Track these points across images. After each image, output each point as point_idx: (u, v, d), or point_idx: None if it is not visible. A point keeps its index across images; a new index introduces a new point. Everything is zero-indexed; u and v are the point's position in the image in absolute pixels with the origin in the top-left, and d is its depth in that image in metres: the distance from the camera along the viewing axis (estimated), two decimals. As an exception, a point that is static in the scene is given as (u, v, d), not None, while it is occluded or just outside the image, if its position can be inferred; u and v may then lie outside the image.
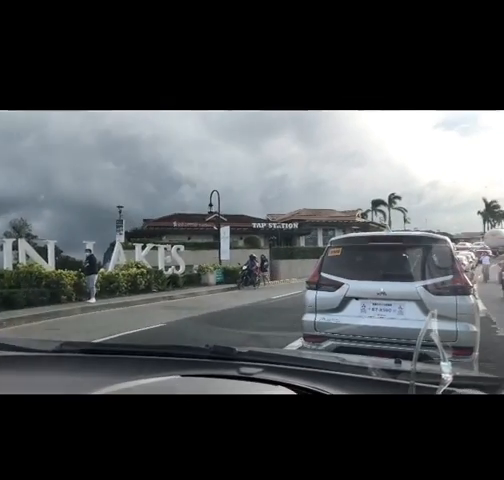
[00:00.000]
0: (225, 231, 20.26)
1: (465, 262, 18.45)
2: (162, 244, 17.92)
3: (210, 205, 20.45)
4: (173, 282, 16.13)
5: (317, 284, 4.28)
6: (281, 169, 78.20)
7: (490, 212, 52.46)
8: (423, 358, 1.05)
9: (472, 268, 21.82)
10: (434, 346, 0.90)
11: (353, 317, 4.04)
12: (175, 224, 29.63)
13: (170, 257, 16.79)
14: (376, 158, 79.84)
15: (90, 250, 12.57)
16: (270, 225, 32.19)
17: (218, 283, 17.92)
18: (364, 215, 42.05)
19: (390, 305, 3.97)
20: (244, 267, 17.35)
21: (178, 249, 17.33)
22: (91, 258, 12.21)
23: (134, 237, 24.58)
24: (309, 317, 4.26)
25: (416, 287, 3.85)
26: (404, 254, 4.20)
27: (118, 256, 15.02)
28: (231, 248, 22.48)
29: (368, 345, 3.87)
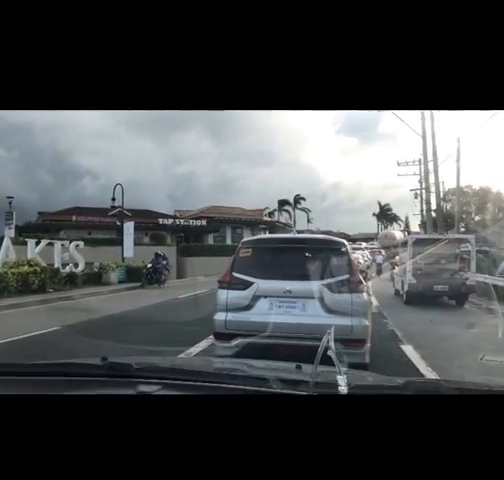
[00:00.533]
0: (129, 227, 19.47)
1: (361, 261, 19.83)
2: (59, 240, 16.67)
3: (113, 199, 19.54)
4: (71, 281, 15.09)
5: (229, 283, 4.44)
6: (190, 165, 77.33)
7: (383, 214, 57.16)
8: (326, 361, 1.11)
9: (367, 267, 23.56)
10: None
11: (262, 315, 4.25)
12: (74, 218, 27.81)
13: (68, 254, 15.69)
14: (284, 159, 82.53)
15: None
16: (177, 221, 31.70)
17: (121, 282, 17.14)
18: (271, 214, 43.31)
19: (295, 302, 4.27)
20: (149, 265, 16.79)
21: (77, 245, 16.26)
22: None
23: (27, 232, 22.63)
24: (220, 316, 4.40)
25: (317, 286, 4.22)
26: (308, 255, 4.54)
27: (7, 252, 13.69)
28: (136, 245, 21.67)
29: (275, 341, 4.03)
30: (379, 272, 21.10)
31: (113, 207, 19.47)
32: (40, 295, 12.45)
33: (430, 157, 21.22)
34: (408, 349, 6.17)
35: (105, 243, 21.31)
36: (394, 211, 57.06)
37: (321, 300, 4.21)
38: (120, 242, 19.70)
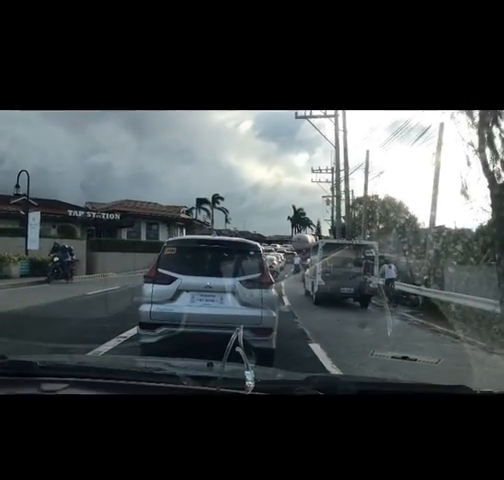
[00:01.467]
0: (34, 217, 18.13)
1: (275, 262, 20.47)
2: None
3: (17, 186, 18.04)
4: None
5: (154, 278, 4.85)
6: (106, 156, 73.65)
7: (298, 218, 59.39)
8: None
9: (281, 269, 24.41)
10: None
11: (184, 306, 4.72)
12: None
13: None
14: (206, 158, 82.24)
15: None
16: (89, 214, 30.10)
17: (24, 276, 15.91)
18: (189, 212, 42.89)
19: (214, 296, 4.83)
20: (55, 258, 15.76)
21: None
22: None
23: None
24: (145, 307, 4.80)
25: (233, 282, 4.82)
26: (226, 255, 5.17)
27: None
28: (42, 237, 20.27)
29: (196, 330, 4.57)
30: (296, 272, 22.19)
31: (17, 195, 17.98)
32: None
33: (342, 167, 22.54)
34: (316, 347, 6.51)
35: (7, 233, 19.57)
36: (308, 215, 59.65)
37: (236, 294, 4.81)
38: (24, 233, 18.24)
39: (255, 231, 55.50)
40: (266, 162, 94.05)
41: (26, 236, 17.72)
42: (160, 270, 4.88)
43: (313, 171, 36.43)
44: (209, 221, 44.56)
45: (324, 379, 1.26)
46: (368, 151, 22.91)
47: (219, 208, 47.57)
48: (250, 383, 0.94)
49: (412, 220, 25.65)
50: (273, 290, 5.20)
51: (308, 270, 14.82)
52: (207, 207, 46.67)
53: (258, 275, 4.98)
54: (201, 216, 45.16)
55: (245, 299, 4.85)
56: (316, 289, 12.19)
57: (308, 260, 16.76)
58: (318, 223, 58.72)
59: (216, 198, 46.72)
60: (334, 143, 22.62)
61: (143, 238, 32.64)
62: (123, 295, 12.36)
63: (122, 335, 6.48)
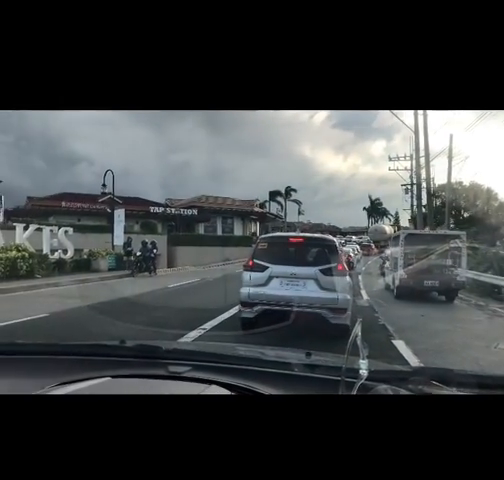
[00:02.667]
0: (119, 214, 19.19)
1: (351, 254, 19.85)
2: (48, 225, 16.37)
3: (103, 185, 19.21)
4: (60, 267, 14.87)
5: (251, 267, 6.17)
6: (185, 154, 76.03)
7: (374, 209, 57.23)
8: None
9: (357, 261, 23.68)
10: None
11: (274, 289, 5.97)
12: (63, 204, 27.33)
13: (57, 240, 15.44)
14: (279, 152, 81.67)
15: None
16: (168, 210, 31.33)
17: (111, 270, 16.93)
18: (262, 205, 43.08)
19: (298, 282, 5.97)
20: (138, 253, 16.58)
21: (66, 232, 15.99)
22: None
23: (16, 216, 22.18)
24: (245, 290, 6.10)
25: (314, 270, 5.95)
26: (307, 248, 6.43)
27: (-6, 237, 13.42)
28: (126, 233, 21.36)
29: (284, 308, 5.76)
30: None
31: (103, 193, 19.14)
32: (28, 281, 12.24)
33: (422, 153, 21.24)
34: (400, 345, 6.12)
35: (95, 230, 21.00)
36: (385, 206, 57.30)
37: (316, 280, 5.92)
38: (110, 229, 19.41)
39: (329, 223, 54.55)
40: (341, 152, 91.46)
41: (112, 232, 18.83)
42: (255, 261, 6.14)
43: (391, 159, 34.85)
44: (282, 214, 44.47)
45: (438, 371, 1.25)
46: (451, 135, 21.38)
47: (292, 200, 47.21)
48: (364, 372, 0.96)
49: (502, 207, 23.60)
50: (347, 277, 6.20)
51: (388, 263, 14.16)
52: (280, 200, 46.58)
53: (334, 264, 5.99)
54: (274, 209, 45.17)
55: (323, 284, 5.89)
56: (397, 282, 11.58)
57: (387, 252, 16.02)
58: (396, 213, 56.39)
59: (289, 190, 46.36)
60: (413, 128, 21.37)
61: (219, 232, 33.38)
62: (201, 288, 12.73)
63: (202, 326, 6.60)
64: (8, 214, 24.59)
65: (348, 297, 5.97)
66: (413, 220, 33.03)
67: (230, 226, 34.89)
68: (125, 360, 1.20)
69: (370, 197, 57.52)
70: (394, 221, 54.05)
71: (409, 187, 34.96)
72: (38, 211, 26.56)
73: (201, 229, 32.84)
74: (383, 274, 14.82)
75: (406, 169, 34.27)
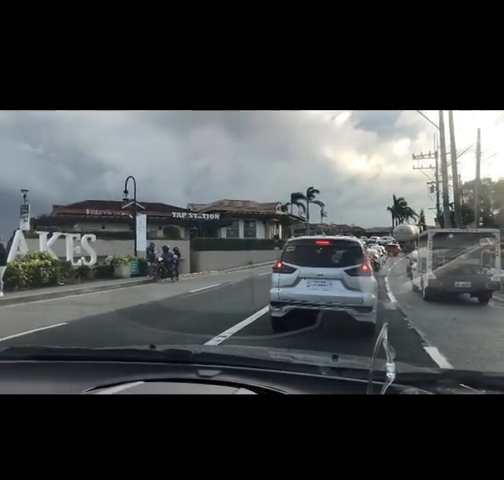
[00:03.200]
0: (141, 220, 19.15)
1: (377, 255, 19.27)
2: (72, 233, 16.44)
3: (125, 192, 19.15)
4: (83, 275, 14.87)
5: (280, 269, 6.51)
6: (207, 160, 76.42)
7: (398, 208, 55.99)
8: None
9: (383, 262, 23.05)
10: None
11: (302, 290, 6.30)
12: (87, 211, 27.64)
13: (80, 247, 15.46)
14: (300, 154, 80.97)
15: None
16: (191, 215, 31.33)
17: (133, 276, 16.86)
18: (284, 208, 42.66)
19: (325, 282, 6.26)
20: (160, 258, 16.44)
21: (89, 239, 16.01)
22: (-1, 248, 10.71)
23: (42, 224, 22.51)
24: (274, 291, 6.42)
25: (340, 271, 6.22)
26: (333, 250, 6.74)
27: (18, 245, 13.47)
28: (149, 238, 21.38)
29: (311, 307, 6.06)
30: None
31: (125, 200, 19.09)
32: (51, 288, 12.23)
33: (448, 150, 20.48)
34: (433, 352, 5.66)
35: (119, 236, 21.05)
36: (409, 205, 55.99)
37: (342, 281, 6.17)
38: (133, 236, 19.37)
39: (353, 224, 53.72)
40: (364, 152, 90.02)
41: (135, 238, 18.77)
42: (284, 263, 6.50)
43: (414, 157, 34.11)
44: (305, 216, 43.92)
45: (467, 374, 1.22)
46: (479, 130, 20.56)
47: (314, 202, 46.56)
48: (391, 375, 0.95)
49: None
50: (372, 277, 6.47)
51: (415, 263, 13.59)
52: (302, 202, 46.03)
53: (359, 265, 6.26)
54: (296, 211, 44.63)
55: (349, 284, 6.14)
56: (426, 284, 11.02)
57: (414, 252, 15.39)
58: (421, 213, 55.21)
59: (311, 192, 45.70)
60: (438, 125, 20.63)
61: (241, 236, 33.17)
62: (223, 292, 12.45)
63: (222, 334, 6.32)
64: (35, 223, 25.05)
65: (373, 296, 6.22)
66: (439, 219, 32.10)
67: (252, 230, 34.61)
68: (156, 364, 1.21)
69: (394, 197, 56.38)
70: (419, 221, 52.85)
71: (434, 185, 34.15)
72: (63, 219, 26.98)
73: (223, 233, 32.68)
74: (410, 276, 14.22)
75: (431, 167, 33.54)
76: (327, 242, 6.98)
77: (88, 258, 15.68)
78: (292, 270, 6.35)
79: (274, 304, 6.42)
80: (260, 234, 34.23)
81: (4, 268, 10.74)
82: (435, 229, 14.02)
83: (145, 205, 30.97)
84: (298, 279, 6.30)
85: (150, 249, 17.40)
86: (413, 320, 8.18)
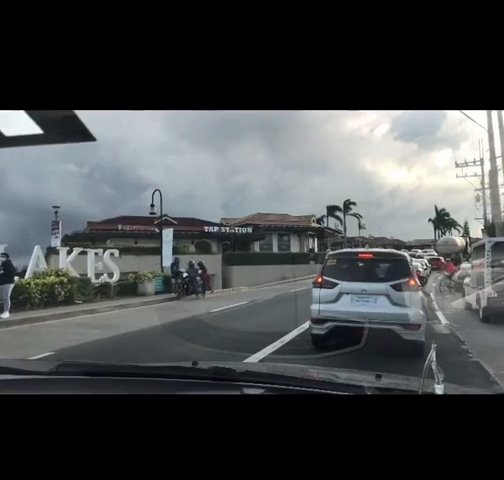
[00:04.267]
0: (168, 234, 18.11)
1: (420, 269, 17.37)
2: (106, 248, 15.60)
3: (152, 205, 18.18)
4: (103, 292, 13.91)
5: (321, 284, 6.05)
6: (244, 175, 75.81)
7: (440, 220, 52.92)
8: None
9: (427, 275, 21.04)
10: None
11: (345, 306, 5.82)
12: (120, 227, 27.15)
13: (102, 263, 14.58)
14: (339, 167, 78.62)
15: (6, 255, 10.19)
16: (223, 229, 30.30)
17: (159, 292, 15.78)
18: (320, 221, 40.94)
19: (369, 298, 5.81)
20: (184, 274, 15.23)
21: (112, 254, 15.12)
22: (6, 264, 9.85)
23: (74, 241, 22.04)
24: (315, 306, 5.99)
25: (385, 286, 5.76)
26: (377, 264, 6.27)
27: (36, 262, 12.70)
28: (181, 253, 20.53)
29: (355, 324, 5.47)
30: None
31: (152, 214, 18.11)
32: (65, 307, 11.27)
33: (499, 153, 18.37)
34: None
35: (151, 252, 20.12)
36: (452, 216, 52.86)
37: (388, 296, 5.70)
38: (160, 251, 18.37)
39: (392, 236, 51.04)
40: (405, 164, 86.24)
41: (161, 253, 17.74)
42: (325, 277, 6.05)
43: (458, 165, 31.88)
44: (341, 229, 41.94)
45: None
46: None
47: (352, 214, 44.41)
48: (441, 394, 0.95)
49: None
50: (420, 292, 6.06)
51: (468, 278, 11.67)
52: (339, 214, 44.07)
53: (406, 280, 5.78)
54: (332, 224, 42.70)
55: (395, 300, 5.66)
56: (484, 302, 9.17)
57: (465, 265, 13.39)
58: (465, 223, 52.07)
59: (348, 204, 43.61)
60: (486, 126, 18.64)
61: (275, 250, 31.75)
62: (248, 312, 10.99)
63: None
64: (68, 239, 24.77)
65: (421, 312, 5.80)
66: (487, 229, 29.62)
67: (286, 243, 33.11)
68: (201, 382, 1.21)
69: (436, 208, 53.24)
70: (463, 232, 49.80)
71: (481, 194, 31.70)
72: (96, 235, 26.58)
73: (257, 247, 31.36)
74: (462, 292, 12.28)
75: (476, 175, 31.24)
76: (371, 255, 6.47)
77: (111, 274, 14.76)
78: (334, 285, 5.94)
79: (315, 321, 6.01)
80: (294, 248, 32.65)
81: (11, 286, 9.84)
82: (495, 238, 11.92)
83: (177, 220, 30.30)
84: (340, 294, 5.89)
85: (174, 264, 16.10)
86: (474, 348, 6.46)
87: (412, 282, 5.83)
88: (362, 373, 1.45)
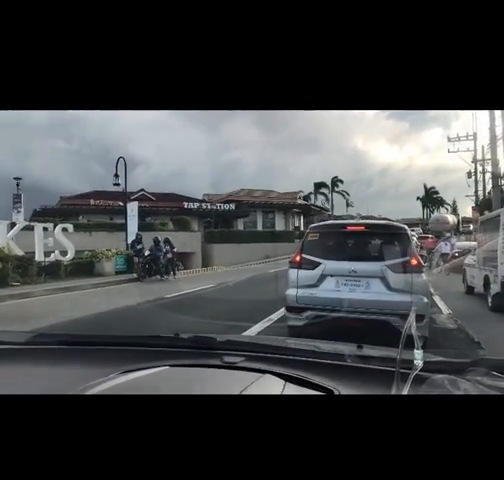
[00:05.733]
0: (133, 208, 15.88)
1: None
2: (57, 223, 13.36)
3: (116, 175, 15.70)
4: (52, 272, 11.82)
5: (299, 263, 4.75)
6: (236, 153, 73.19)
7: (429, 198, 51.06)
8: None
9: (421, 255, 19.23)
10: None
11: (329, 291, 4.54)
12: (92, 202, 24.84)
13: (52, 240, 12.41)
14: (331, 146, 76.12)
15: None
16: (204, 205, 28.14)
17: (120, 272, 13.70)
18: (307, 198, 38.82)
19: (359, 281, 4.53)
20: (146, 252, 13.08)
21: (65, 229, 12.93)
22: None
23: (43, 216, 19.80)
24: (292, 291, 4.67)
25: (380, 266, 4.48)
26: (371, 239, 5.00)
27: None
28: (157, 230, 18.56)
29: (342, 314, 4.38)
30: (446, 263, 15.32)
31: (116, 184, 15.77)
32: (-7, 291, 9.17)
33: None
34: None
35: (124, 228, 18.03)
36: (441, 195, 51.08)
37: (383, 279, 4.44)
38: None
39: (380, 215, 49.18)
40: (396, 143, 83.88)
41: (126, 229, 15.55)
42: (304, 255, 4.75)
43: (450, 140, 29.97)
44: (328, 206, 39.85)
45: (499, 362, 1.08)
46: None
47: (339, 192, 42.23)
48: (419, 362, 0.90)
49: None
50: (423, 275, 4.60)
51: (471, 257, 9.71)
52: (326, 192, 41.86)
53: (406, 259, 4.50)
54: (320, 201, 40.55)
55: (393, 284, 4.41)
56: (497, 287, 7.25)
57: (469, 244, 11.42)
58: (454, 202, 50.58)
59: (335, 181, 41.34)
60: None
61: (259, 228, 29.73)
62: (208, 298, 8.91)
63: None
64: (36, 214, 22.51)
65: (425, 300, 4.49)
66: (479, 206, 28.00)
67: (271, 221, 31.05)
68: (181, 351, 1.19)
69: (425, 186, 51.18)
70: (452, 211, 48.32)
71: (472, 171, 29.99)
72: (67, 210, 24.30)
73: (240, 225, 29.29)
74: (463, 273, 10.37)
75: (468, 150, 29.46)
76: (362, 227, 4.92)
77: (64, 252, 12.64)
78: (315, 265, 4.67)
79: (291, 310, 4.71)
80: (280, 225, 30.63)
81: None
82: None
83: (155, 195, 28.10)
84: (323, 277, 4.63)
85: (136, 241, 13.68)
86: (491, 347, 4.55)
87: (414, 261, 4.46)
88: (345, 345, 1.37)
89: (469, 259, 9.86)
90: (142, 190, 27.87)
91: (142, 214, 25.47)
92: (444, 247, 15.29)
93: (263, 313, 6.35)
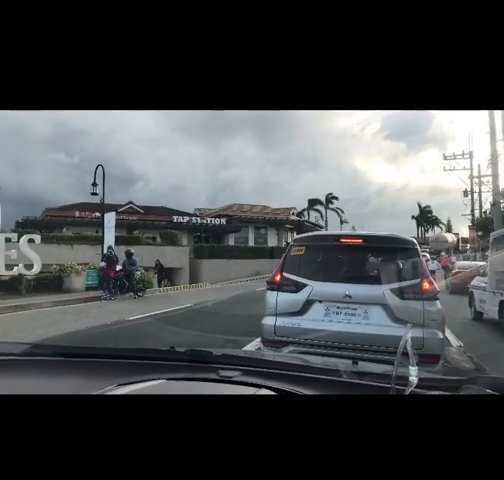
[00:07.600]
0: (110, 219, 14.54)
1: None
2: (22, 233, 12.01)
3: (94, 184, 14.38)
4: (12, 288, 10.43)
5: (279, 285, 3.71)
6: (235, 170, 72.80)
7: (424, 217, 50.23)
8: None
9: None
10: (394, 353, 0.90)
11: (316, 321, 3.52)
12: (77, 214, 23.53)
13: (16, 251, 11.03)
14: (329, 164, 75.94)
15: None
16: (194, 220, 26.87)
17: (91, 288, 12.30)
18: (300, 214, 37.68)
19: (355, 309, 3.50)
20: (118, 267, 11.65)
21: (30, 240, 11.57)
22: None
23: (24, 228, 18.45)
24: (269, 321, 3.65)
25: (383, 290, 3.44)
26: (371, 255, 3.99)
27: None
28: (143, 244, 17.34)
29: (332, 351, 3.38)
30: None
31: (94, 194, 14.48)
32: None
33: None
34: None
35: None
36: (435, 215, 50.21)
37: (387, 307, 3.38)
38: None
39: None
40: (394, 163, 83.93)
41: (102, 241, 14.19)
42: (286, 274, 3.65)
43: (446, 158, 29.17)
44: (322, 223, 38.68)
45: (493, 380, 1.05)
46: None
47: (333, 209, 41.14)
48: (414, 379, 0.86)
49: None
50: (438, 302, 3.43)
51: (481, 279, 8.39)
52: (321, 208, 40.75)
53: (416, 281, 3.40)
54: (314, 218, 39.36)
55: (399, 314, 3.30)
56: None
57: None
58: (448, 222, 49.76)
59: (330, 198, 40.37)
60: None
61: (251, 243, 28.43)
62: (176, 321, 7.49)
63: None
64: (18, 226, 21.19)
65: (440, 336, 3.35)
66: (475, 226, 26.99)
67: (263, 236, 29.77)
68: (177, 364, 1.16)
69: (419, 205, 50.43)
70: (446, 230, 47.45)
71: (468, 189, 29.10)
72: (51, 222, 23.00)
73: (231, 240, 27.99)
74: (470, 296, 9.04)
75: (465, 168, 28.65)
76: (360, 240, 3.73)
77: (30, 266, 11.27)
78: (300, 287, 3.53)
79: (268, 343, 3.58)
80: (272, 241, 29.35)
81: None
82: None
83: (145, 208, 26.85)
84: (309, 302, 3.49)
85: (107, 256, 11.91)
86: None
87: (426, 285, 3.39)
88: (340, 360, 1.36)
89: (477, 281, 8.55)
90: (130, 203, 26.66)
91: (129, 227, 24.36)
92: (431, 265, 15.26)
93: (228, 344, 5.05)
